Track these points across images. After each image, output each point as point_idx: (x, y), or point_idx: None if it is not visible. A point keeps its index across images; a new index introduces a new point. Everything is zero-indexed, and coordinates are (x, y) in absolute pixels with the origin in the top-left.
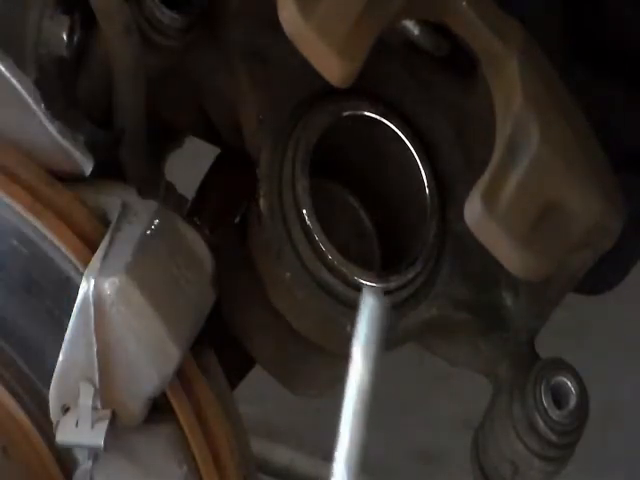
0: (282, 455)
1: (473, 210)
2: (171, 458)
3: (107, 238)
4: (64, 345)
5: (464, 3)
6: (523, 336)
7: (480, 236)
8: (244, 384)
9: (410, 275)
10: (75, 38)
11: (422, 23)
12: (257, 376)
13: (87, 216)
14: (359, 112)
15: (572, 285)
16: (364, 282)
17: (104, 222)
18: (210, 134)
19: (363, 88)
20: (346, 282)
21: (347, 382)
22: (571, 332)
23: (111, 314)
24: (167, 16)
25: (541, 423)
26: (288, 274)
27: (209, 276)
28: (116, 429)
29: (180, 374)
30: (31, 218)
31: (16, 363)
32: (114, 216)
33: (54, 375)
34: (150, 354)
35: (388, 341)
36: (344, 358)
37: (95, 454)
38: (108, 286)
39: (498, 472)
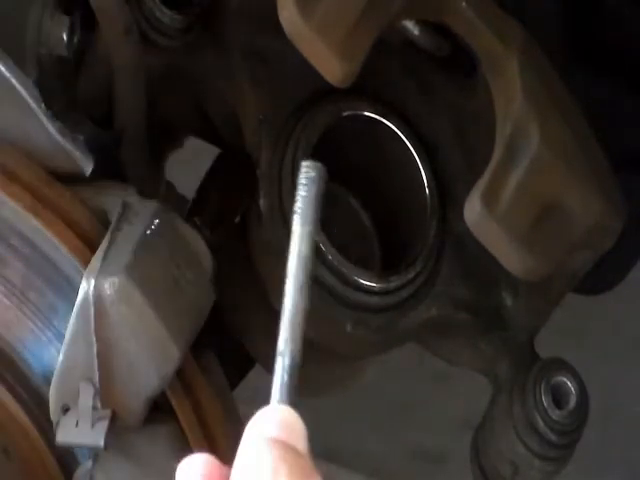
0: None
1: (473, 210)
2: (171, 458)
3: (107, 238)
4: (64, 345)
5: (464, 3)
6: (523, 336)
7: (480, 236)
8: (244, 384)
9: (410, 275)
10: (75, 38)
11: (422, 23)
12: (257, 376)
13: (87, 216)
14: (359, 112)
15: (572, 285)
16: (363, 281)
17: (104, 222)
18: (210, 134)
19: (363, 88)
20: (346, 282)
21: (289, 253)
22: (571, 332)
23: (111, 314)
24: (167, 16)
25: (541, 423)
26: None
27: (209, 276)
28: (116, 429)
29: (180, 374)
30: (31, 218)
31: (16, 363)
32: (114, 216)
33: (54, 375)
34: (150, 354)
35: (388, 341)
36: (344, 358)
37: (95, 454)
38: (108, 286)
39: (498, 472)
